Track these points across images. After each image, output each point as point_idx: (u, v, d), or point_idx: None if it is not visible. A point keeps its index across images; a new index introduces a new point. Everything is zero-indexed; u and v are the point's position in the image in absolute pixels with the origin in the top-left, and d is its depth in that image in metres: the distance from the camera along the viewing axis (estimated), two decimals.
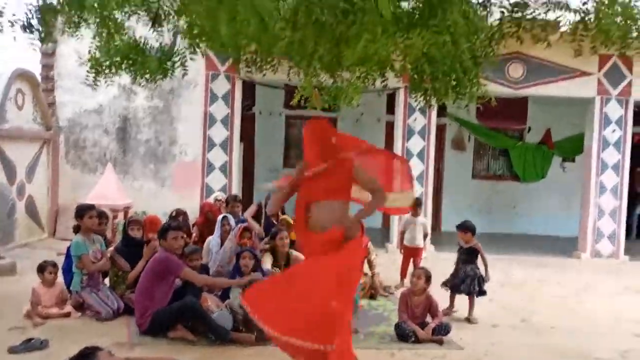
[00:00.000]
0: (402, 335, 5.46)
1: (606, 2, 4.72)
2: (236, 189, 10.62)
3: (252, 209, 8.20)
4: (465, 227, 6.63)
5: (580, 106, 11.61)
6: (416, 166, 10.84)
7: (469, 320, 6.22)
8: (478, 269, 6.43)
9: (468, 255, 6.50)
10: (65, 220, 9.49)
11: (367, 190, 4.45)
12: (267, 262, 6.20)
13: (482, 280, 6.37)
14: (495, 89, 10.23)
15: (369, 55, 4.16)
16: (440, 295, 6.06)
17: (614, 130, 11.02)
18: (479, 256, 6.49)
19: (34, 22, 4.49)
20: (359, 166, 4.41)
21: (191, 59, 5.58)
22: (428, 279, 5.71)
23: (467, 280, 6.33)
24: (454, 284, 6.43)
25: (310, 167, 4.38)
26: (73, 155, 10.61)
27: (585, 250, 10.98)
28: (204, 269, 6.10)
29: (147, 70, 5.43)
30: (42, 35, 4.57)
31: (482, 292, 6.36)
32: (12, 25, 4.72)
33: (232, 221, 6.93)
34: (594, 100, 11.02)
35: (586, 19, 4.87)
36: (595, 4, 4.88)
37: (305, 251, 4.69)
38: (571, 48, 5.16)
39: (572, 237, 11.80)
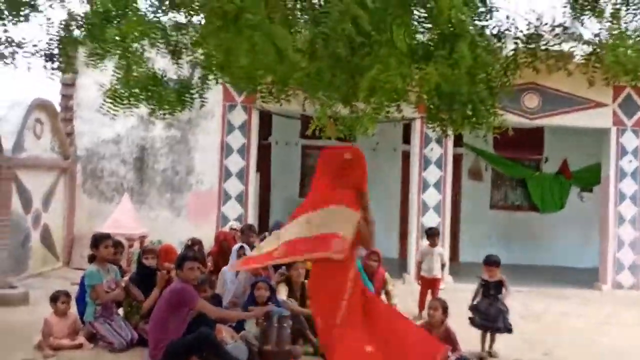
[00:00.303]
0: None
1: (617, 34, 4.73)
2: (252, 219, 10.61)
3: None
4: (492, 262, 6.37)
5: (597, 136, 11.54)
6: (433, 196, 10.80)
7: (490, 354, 6.05)
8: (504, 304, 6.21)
9: (495, 289, 6.24)
10: (81, 250, 9.52)
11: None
12: (282, 293, 6.14)
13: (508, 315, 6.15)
14: (511, 119, 10.18)
15: (380, 84, 4.16)
16: (459, 326, 5.92)
17: (630, 161, 10.92)
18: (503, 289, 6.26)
19: (55, 52, 4.55)
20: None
21: (208, 88, 5.64)
22: (445, 310, 5.61)
23: (501, 317, 6.05)
24: (486, 322, 6.11)
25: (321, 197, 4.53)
26: (90, 184, 10.70)
27: (605, 282, 10.78)
28: (216, 299, 6.04)
29: (166, 102, 5.49)
30: (63, 65, 4.63)
31: (510, 329, 6.12)
32: (33, 54, 4.81)
33: (248, 251, 6.89)
34: (609, 131, 10.97)
35: (598, 51, 4.88)
36: (607, 37, 4.89)
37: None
38: (585, 79, 5.15)
39: (592, 269, 11.61)
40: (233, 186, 10.57)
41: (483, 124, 5.44)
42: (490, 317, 6.06)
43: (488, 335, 6.15)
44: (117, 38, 4.50)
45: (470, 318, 6.19)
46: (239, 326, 5.76)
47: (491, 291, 6.23)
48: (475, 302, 6.27)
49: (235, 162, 10.59)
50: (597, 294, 10.37)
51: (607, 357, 6.24)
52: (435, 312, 5.58)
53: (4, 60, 4.70)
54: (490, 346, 6.12)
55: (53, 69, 4.66)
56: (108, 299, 5.79)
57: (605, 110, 10.91)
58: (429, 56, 4.86)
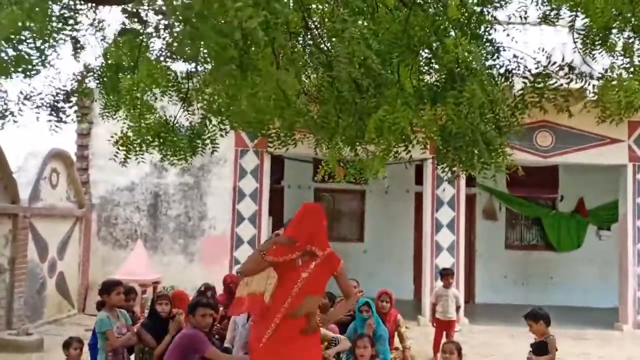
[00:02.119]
0: None
1: (629, 69, 4.75)
2: None
3: None
4: (537, 315, 5.55)
5: (613, 173, 11.46)
6: (446, 237, 10.73)
7: None
8: None
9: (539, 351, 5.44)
10: (95, 296, 9.50)
11: (344, 293, 4.45)
12: None
13: None
14: (524, 157, 10.23)
15: (387, 126, 4.20)
16: None
17: None
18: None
19: (60, 105, 4.68)
20: (342, 268, 4.39)
21: (221, 135, 5.73)
22: (459, 352, 5.51)
23: None
24: None
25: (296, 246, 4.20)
26: (104, 231, 10.80)
27: (626, 322, 10.52)
28: (227, 352, 5.98)
29: (177, 148, 5.58)
30: (68, 118, 4.75)
31: None
32: (39, 107, 4.94)
33: None
34: (625, 168, 10.89)
35: (608, 85, 4.88)
36: (618, 72, 4.90)
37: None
38: (596, 117, 5.15)
39: (612, 308, 11.36)
40: (245, 230, 10.60)
41: (492, 165, 5.44)
42: None
43: None
44: (127, 87, 4.62)
45: None
46: None
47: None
48: None
49: (247, 207, 10.66)
50: (617, 334, 10.13)
51: None
52: (451, 356, 5.48)
53: (13, 117, 4.82)
54: None
55: (58, 121, 4.76)
56: (119, 343, 5.74)
57: (620, 146, 10.87)
58: (436, 97, 4.93)
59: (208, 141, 5.67)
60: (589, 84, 5.00)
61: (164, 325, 6.05)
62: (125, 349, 5.94)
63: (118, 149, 5.14)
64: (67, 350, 5.68)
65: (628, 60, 4.70)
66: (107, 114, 5.43)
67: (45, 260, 9.09)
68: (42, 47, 4.41)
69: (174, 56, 5.28)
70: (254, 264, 4.21)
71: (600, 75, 5.03)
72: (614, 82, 4.63)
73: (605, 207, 13.09)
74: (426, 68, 5.23)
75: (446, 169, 5.79)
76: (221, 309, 7.31)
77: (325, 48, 5.04)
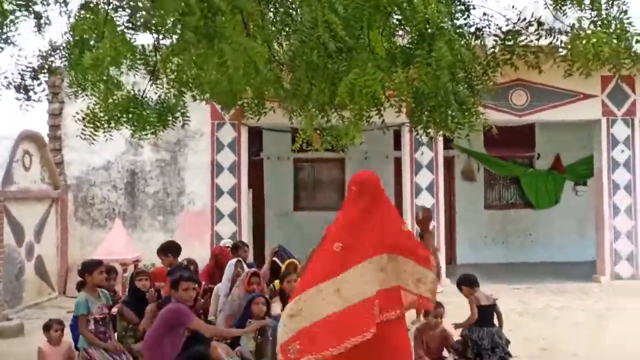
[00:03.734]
0: None
1: (597, 22, 4.73)
2: (246, 236, 10.58)
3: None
4: (458, 284, 5.41)
5: (587, 128, 11.57)
6: (426, 200, 10.80)
7: None
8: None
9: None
10: (76, 278, 9.43)
11: None
12: (277, 308, 6.10)
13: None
14: (500, 117, 10.26)
15: (359, 89, 4.15)
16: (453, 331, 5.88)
17: (622, 151, 10.95)
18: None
19: (28, 83, 4.55)
20: None
21: (187, 106, 5.63)
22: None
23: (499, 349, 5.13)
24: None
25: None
26: (82, 212, 10.67)
27: (604, 274, 10.76)
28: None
29: (147, 123, 5.48)
30: (36, 96, 4.62)
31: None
32: (6, 87, 4.80)
33: (245, 265, 6.85)
34: (599, 122, 10.99)
35: (577, 39, 4.87)
36: (586, 26, 4.89)
37: None
38: (565, 71, 5.14)
39: (590, 262, 11.60)
40: (225, 204, 10.55)
41: (465, 124, 5.44)
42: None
43: None
44: (92, 63, 4.49)
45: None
46: (234, 342, 5.71)
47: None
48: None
49: (226, 180, 10.59)
50: (595, 287, 10.35)
51: (608, 349, 6.20)
52: (441, 320, 5.53)
53: None
54: None
55: (27, 99, 4.64)
56: (89, 337, 5.68)
57: (594, 102, 10.95)
58: (409, 59, 4.88)
59: (179, 114, 5.59)
60: (558, 40, 4.99)
61: (145, 302, 6.04)
62: (110, 326, 5.93)
63: (85, 126, 5.03)
64: (47, 333, 5.64)
65: (595, 13, 4.68)
66: (74, 92, 5.30)
67: (22, 244, 8.97)
68: (2, 23, 4.28)
69: (139, 27, 5.15)
70: None
71: (569, 30, 5.02)
72: (582, 35, 4.62)
73: (581, 162, 13.25)
74: (397, 30, 5.19)
75: (421, 131, 5.80)
76: (203, 283, 7.32)
77: (295, 14, 4.96)
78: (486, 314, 4.94)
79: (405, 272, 3.52)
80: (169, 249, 6.46)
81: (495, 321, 5.04)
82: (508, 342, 4.98)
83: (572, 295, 9.53)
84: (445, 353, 5.53)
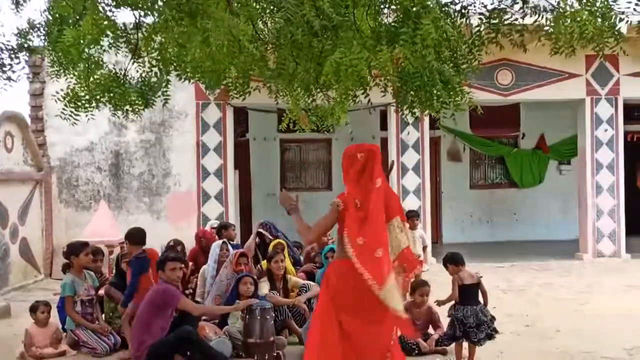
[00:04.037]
0: (405, 349, 5.35)
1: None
2: (233, 217, 10.57)
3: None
4: (444, 262, 5.30)
5: (572, 108, 11.64)
6: (412, 180, 10.84)
7: None
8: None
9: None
10: (61, 260, 9.40)
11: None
12: (264, 288, 6.12)
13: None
14: (485, 97, 10.28)
15: (343, 69, 4.13)
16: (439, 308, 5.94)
17: (605, 130, 11.03)
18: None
19: (7, 62, 4.47)
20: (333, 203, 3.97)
21: (170, 85, 5.56)
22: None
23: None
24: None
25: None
26: (66, 194, 10.58)
27: (586, 251, 10.91)
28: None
29: (129, 102, 5.42)
30: (15, 75, 4.54)
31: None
32: None
33: (230, 247, 6.85)
34: (583, 102, 11.06)
35: (561, 17, 4.88)
36: (569, 4, 4.89)
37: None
38: (550, 50, 5.15)
39: (573, 240, 11.76)
40: (212, 186, 10.52)
41: (451, 103, 5.44)
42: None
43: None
44: (74, 41, 4.42)
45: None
46: (222, 322, 5.74)
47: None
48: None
49: (212, 161, 10.54)
50: (578, 264, 10.50)
51: (590, 325, 6.31)
52: (426, 297, 5.60)
53: None
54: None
55: (6, 79, 4.56)
56: (75, 318, 5.68)
57: (578, 81, 10.99)
58: (394, 38, 4.86)
59: (160, 93, 5.53)
60: (542, 17, 4.98)
61: None
62: (97, 307, 5.93)
63: (65, 106, 4.97)
64: (34, 314, 5.65)
65: None
66: (55, 72, 5.22)
67: (6, 227, 8.89)
68: None
69: (120, 5, 5.07)
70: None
71: (553, 8, 5.02)
72: (567, 14, 4.63)
73: (565, 142, 13.37)
74: (382, 8, 5.15)
75: (407, 111, 5.79)
76: (190, 264, 7.32)
77: None
78: (470, 292, 5.00)
79: (406, 236, 3.95)
80: (128, 237, 6.09)
81: (481, 299, 5.10)
82: (493, 318, 5.04)
83: (555, 272, 9.66)
84: (430, 330, 5.61)
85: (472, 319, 4.87)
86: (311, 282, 6.68)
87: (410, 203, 10.62)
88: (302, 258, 7.93)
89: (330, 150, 13.74)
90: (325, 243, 7.62)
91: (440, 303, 5.14)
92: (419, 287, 5.64)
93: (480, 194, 13.92)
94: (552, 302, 7.48)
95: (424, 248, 8.13)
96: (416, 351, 5.33)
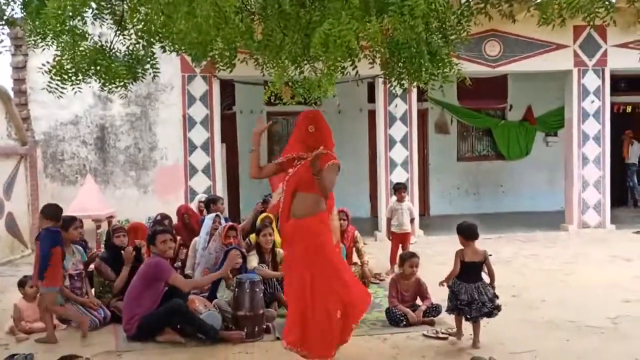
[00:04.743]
0: (393, 320, 5.44)
1: None
2: (221, 190, 10.54)
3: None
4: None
5: (559, 80, 11.65)
6: (400, 152, 10.84)
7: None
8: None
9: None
10: None
11: (320, 185, 4.37)
12: (253, 261, 6.14)
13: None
14: (473, 68, 10.25)
15: (333, 39, 4.08)
16: (431, 276, 5.97)
17: (592, 101, 11.07)
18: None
19: None
20: (333, 165, 4.43)
21: (156, 57, 5.46)
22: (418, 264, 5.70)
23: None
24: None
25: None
26: (52, 168, 10.48)
27: (572, 222, 11.04)
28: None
29: (116, 75, 5.34)
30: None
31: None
32: None
33: (223, 220, 6.83)
34: (571, 73, 11.06)
35: None
36: None
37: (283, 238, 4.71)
38: (539, 18, 5.11)
39: (559, 211, 11.89)
40: (199, 159, 10.46)
41: (439, 75, 5.41)
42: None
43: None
44: (54, 11, 4.32)
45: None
46: (211, 295, 5.76)
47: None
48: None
49: (199, 134, 10.46)
50: (563, 235, 10.64)
51: (575, 294, 6.41)
52: (416, 269, 5.63)
53: None
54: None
55: None
56: (63, 291, 5.63)
57: (566, 52, 10.97)
58: (383, 8, 4.79)
59: (148, 66, 5.45)
60: None
61: (122, 258, 6.03)
62: (86, 282, 5.92)
63: (51, 78, 4.88)
64: (22, 289, 5.64)
65: None
66: (31, 41, 5.10)
67: None
68: None
69: None
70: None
71: None
72: None
73: (552, 113, 13.42)
74: None
75: (395, 83, 5.76)
76: (178, 237, 7.32)
77: None
78: (470, 269, 4.92)
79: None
80: (42, 210, 5.86)
81: (486, 278, 5.01)
82: (495, 297, 4.91)
83: (541, 243, 9.78)
84: (418, 301, 5.67)
85: (465, 296, 4.85)
86: None
87: (397, 175, 10.66)
88: None
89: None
90: None
91: (442, 283, 5.05)
92: (408, 259, 5.69)
93: (467, 166, 13.98)
94: (538, 273, 7.58)
95: (412, 220, 8.17)
96: (404, 322, 5.39)
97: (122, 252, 6.04)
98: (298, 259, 4.36)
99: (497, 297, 4.94)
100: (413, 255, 5.75)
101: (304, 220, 4.35)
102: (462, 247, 5.02)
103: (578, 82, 11.05)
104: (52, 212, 5.44)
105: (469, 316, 4.89)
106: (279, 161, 4.62)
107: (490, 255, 5.08)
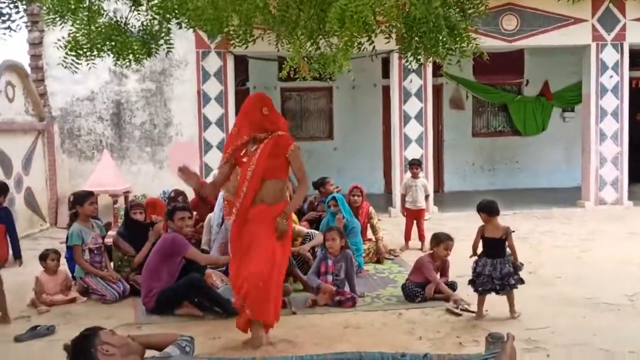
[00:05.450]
0: (409, 295, 5.47)
1: None
2: None
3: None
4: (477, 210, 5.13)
5: (577, 54, 11.48)
6: (414, 128, 10.79)
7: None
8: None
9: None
10: (66, 210, 9.49)
11: (296, 177, 4.46)
12: None
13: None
14: (490, 43, 10.11)
15: (348, 15, 4.05)
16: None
17: (611, 76, 10.90)
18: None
19: (5, 11, 4.36)
20: (296, 149, 4.36)
21: (172, 33, 5.45)
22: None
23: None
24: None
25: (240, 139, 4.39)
26: (69, 144, 10.58)
27: (589, 199, 10.97)
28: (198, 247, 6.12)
29: (131, 51, 5.35)
30: (14, 24, 4.43)
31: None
32: None
33: None
34: (589, 47, 10.88)
35: None
36: None
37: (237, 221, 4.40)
38: None
39: (576, 188, 11.81)
40: (213, 135, 10.48)
41: (456, 50, 5.35)
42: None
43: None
44: None
45: None
46: (228, 270, 5.81)
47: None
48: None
49: (213, 110, 10.47)
50: (580, 212, 10.57)
51: (591, 271, 6.40)
52: (449, 252, 5.60)
53: None
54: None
55: (5, 29, 4.46)
56: (83, 265, 5.76)
57: (584, 26, 10.78)
58: None
59: (162, 42, 5.45)
60: None
61: (140, 233, 6.11)
62: (105, 256, 6.01)
63: (67, 54, 4.90)
64: (44, 262, 5.74)
65: None
66: (51, 19, 5.11)
67: (10, 177, 8.92)
68: None
69: None
70: (218, 175, 4.52)
71: None
72: None
73: (569, 88, 13.25)
74: None
75: (411, 58, 5.71)
76: (194, 213, 7.38)
77: None
78: (490, 245, 4.95)
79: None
80: None
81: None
82: (515, 272, 4.90)
83: (557, 220, 9.74)
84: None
85: (480, 269, 4.91)
86: (315, 231, 6.75)
87: (412, 151, 10.63)
88: (305, 207, 8.00)
89: (332, 99, 13.63)
90: (331, 192, 7.68)
91: (472, 256, 5.08)
92: (445, 241, 5.56)
93: (482, 142, 13.88)
94: (554, 250, 7.57)
95: (426, 197, 8.16)
96: (419, 298, 5.42)
97: (143, 227, 6.12)
98: (256, 232, 4.25)
99: (515, 274, 4.93)
100: (449, 237, 5.61)
101: (276, 207, 4.27)
102: (483, 224, 5.03)
103: (596, 57, 10.87)
104: None
105: (477, 289, 4.93)
106: (226, 159, 4.43)
107: (513, 231, 5.07)
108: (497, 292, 4.93)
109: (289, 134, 4.47)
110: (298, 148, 4.38)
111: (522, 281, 4.97)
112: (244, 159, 4.33)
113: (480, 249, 5.07)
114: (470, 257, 5.08)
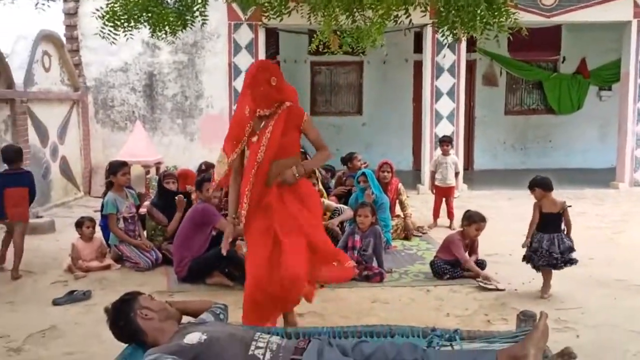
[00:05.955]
0: (438, 272, 5.48)
1: None
2: None
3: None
4: (530, 185, 5.13)
5: (616, 31, 11.15)
6: (446, 105, 10.67)
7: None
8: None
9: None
10: (99, 179, 9.69)
11: (315, 146, 3.93)
12: None
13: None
14: (527, 18, 9.83)
15: None
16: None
17: None
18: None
19: None
20: (309, 119, 3.85)
21: (207, 5, 5.46)
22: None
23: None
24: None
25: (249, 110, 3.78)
26: (102, 114, 10.73)
27: (623, 180, 10.76)
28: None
29: (166, 22, 5.37)
30: None
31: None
32: None
33: None
34: (630, 24, 10.56)
35: None
36: None
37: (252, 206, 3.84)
38: None
39: (610, 168, 11.57)
40: None
41: (494, 24, 5.24)
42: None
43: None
44: None
45: None
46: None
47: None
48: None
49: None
50: (614, 193, 10.38)
51: (622, 253, 6.32)
52: (480, 233, 5.56)
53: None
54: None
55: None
56: (118, 234, 5.88)
57: (625, 2, 10.45)
58: None
59: (197, 13, 5.45)
60: None
61: (173, 202, 6.20)
62: (139, 225, 6.13)
63: (104, 24, 4.94)
64: (80, 229, 5.88)
65: None
66: None
67: (46, 145, 9.12)
68: None
69: None
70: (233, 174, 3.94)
71: None
72: None
73: (607, 66, 12.89)
74: None
75: (447, 33, 5.61)
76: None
77: None
78: (547, 220, 4.94)
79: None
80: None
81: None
82: (570, 249, 4.92)
83: (590, 201, 9.58)
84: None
85: (537, 244, 4.93)
86: (344, 206, 6.77)
87: (443, 128, 10.52)
88: (333, 182, 8.01)
89: (362, 74, 13.52)
90: (359, 167, 7.66)
91: (526, 241, 5.05)
92: (477, 222, 5.50)
93: (514, 120, 13.67)
94: (586, 231, 7.44)
95: (456, 174, 8.09)
96: (448, 275, 5.42)
97: (174, 198, 6.21)
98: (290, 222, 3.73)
99: (573, 250, 4.95)
100: (483, 219, 5.55)
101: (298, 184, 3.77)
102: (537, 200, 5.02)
103: (637, 34, 10.55)
104: (5, 155, 5.67)
105: (544, 264, 4.93)
106: (235, 153, 3.84)
107: (570, 206, 5.04)
108: (555, 267, 4.96)
109: (298, 103, 3.90)
110: (309, 116, 3.91)
111: (572, 262, 4.97)
112: (253, 139, 3.75)
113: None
114: (523, 246, 5.06)
